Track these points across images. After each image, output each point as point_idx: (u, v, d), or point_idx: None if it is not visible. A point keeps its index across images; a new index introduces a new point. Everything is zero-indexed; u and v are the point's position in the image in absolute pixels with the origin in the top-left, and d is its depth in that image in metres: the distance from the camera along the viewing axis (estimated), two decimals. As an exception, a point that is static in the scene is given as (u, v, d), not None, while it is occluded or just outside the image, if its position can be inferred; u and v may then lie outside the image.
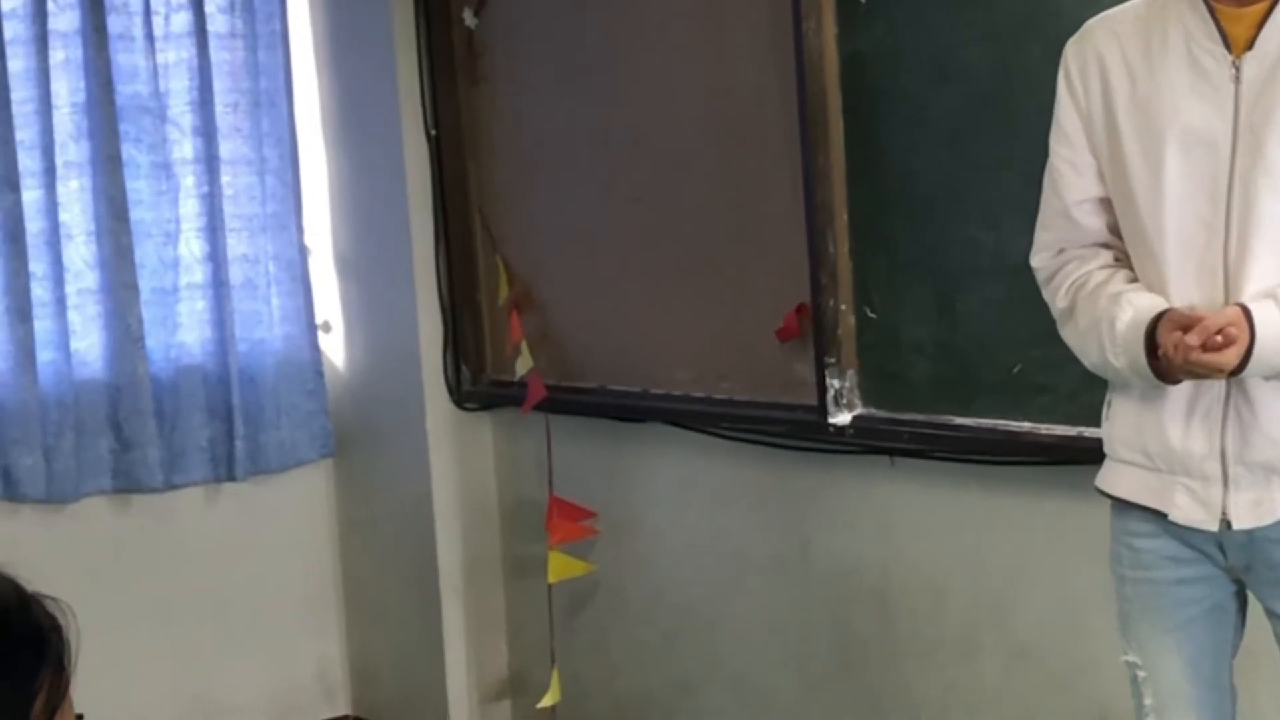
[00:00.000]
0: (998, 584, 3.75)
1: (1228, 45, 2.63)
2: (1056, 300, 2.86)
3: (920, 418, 3.78)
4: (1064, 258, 2.84)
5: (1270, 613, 2.78)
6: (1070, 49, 2.80)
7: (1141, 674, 2.84)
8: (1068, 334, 2.85)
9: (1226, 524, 2.70)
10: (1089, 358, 2.79)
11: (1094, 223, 2.81)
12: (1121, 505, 2.83)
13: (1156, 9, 2.71)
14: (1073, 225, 2.82)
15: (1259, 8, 2.61)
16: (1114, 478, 2.84)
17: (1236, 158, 2.60)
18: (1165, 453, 2.73)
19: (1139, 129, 2.69)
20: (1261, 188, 2.59)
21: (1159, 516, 2.76)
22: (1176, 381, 2.67)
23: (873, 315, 3.86)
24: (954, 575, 3.84)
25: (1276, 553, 2.71)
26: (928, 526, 3.88)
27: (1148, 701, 2.84)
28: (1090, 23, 2.80)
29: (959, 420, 3.70)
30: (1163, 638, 2.82)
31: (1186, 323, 2.57)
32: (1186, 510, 2.72)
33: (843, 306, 3.89)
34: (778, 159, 4.00)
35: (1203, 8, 2.65)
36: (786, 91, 3.92)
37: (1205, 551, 2.75)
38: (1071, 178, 2.80)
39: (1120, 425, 2.81)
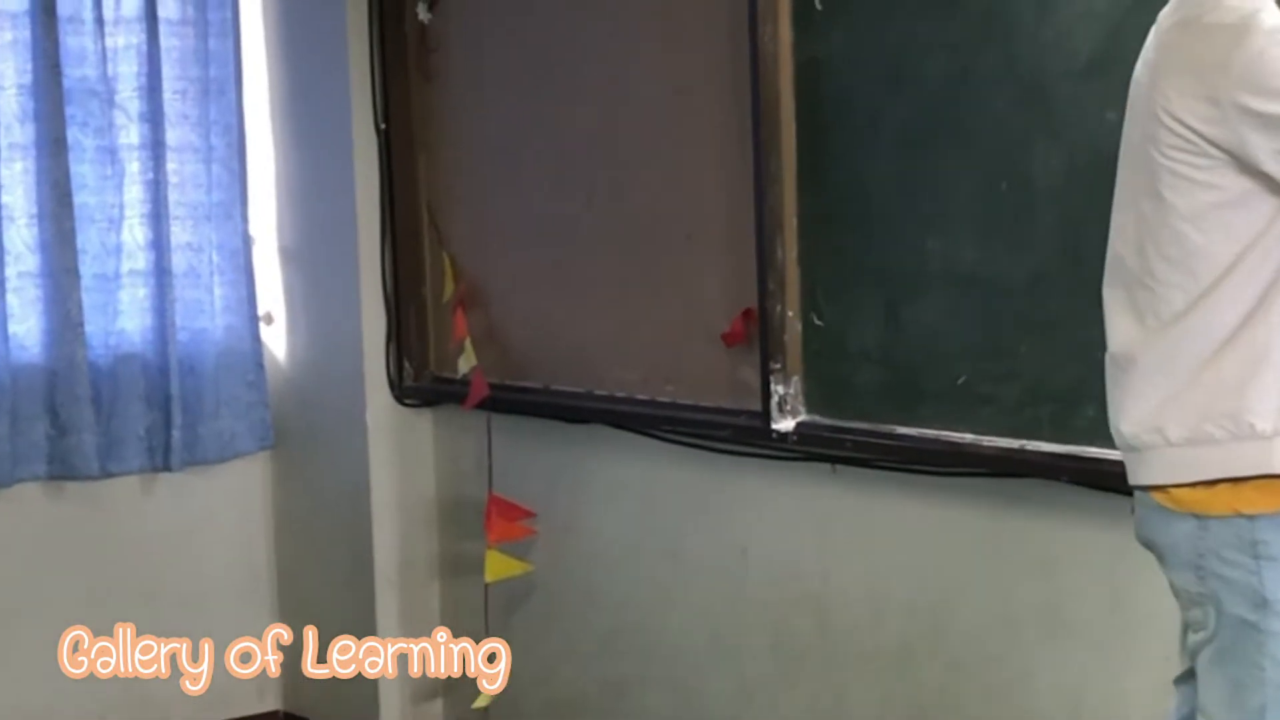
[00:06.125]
0: (936, 595, 3.75)
1: None
2: None
3: (864, 426, 3.78)
4: None
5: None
6: None
7: None
8: None
9: None
10: None
11: None
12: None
13: None
14: None
15: None
16: None
17: None
18: None
19: None
20: None
21: None
22: None
23: (819, 322, 3.86)
24: (893, 585, 3.84)
25: None
26: (868, 535, 3.88)
27: None
28: None
29: (902, 430, 3.70)
30: None
31: None
32: None
33: (790, 313, 3.88)
34: (730, 163, 3.99)
35: None
36: (740, 95, 3.91)
37: None
38: None
39: None
